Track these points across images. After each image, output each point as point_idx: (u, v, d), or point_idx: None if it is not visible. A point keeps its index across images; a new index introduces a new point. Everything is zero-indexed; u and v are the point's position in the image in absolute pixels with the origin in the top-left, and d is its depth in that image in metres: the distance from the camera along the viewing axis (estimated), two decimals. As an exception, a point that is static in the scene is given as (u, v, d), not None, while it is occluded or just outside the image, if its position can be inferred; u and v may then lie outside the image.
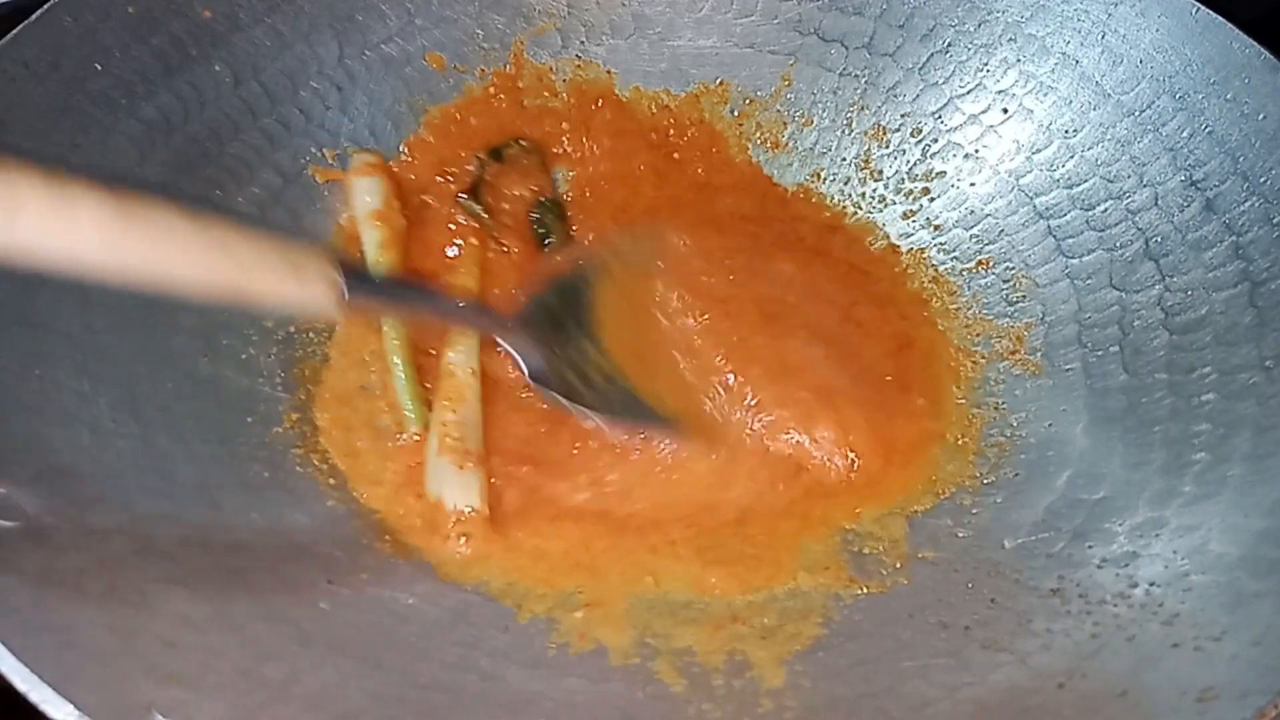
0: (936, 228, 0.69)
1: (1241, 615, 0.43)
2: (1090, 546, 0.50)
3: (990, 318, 0.64)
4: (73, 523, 0.44)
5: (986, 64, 0.68)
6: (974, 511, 0.55)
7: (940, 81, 0.69)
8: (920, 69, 0.70)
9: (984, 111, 0.68)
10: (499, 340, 0.58)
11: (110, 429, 0.49)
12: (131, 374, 0.52)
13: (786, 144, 0.73)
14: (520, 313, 0.60)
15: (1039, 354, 0.61)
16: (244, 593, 0.46)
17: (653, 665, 0.48)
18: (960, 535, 0.54)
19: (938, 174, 0.69)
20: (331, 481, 0.55)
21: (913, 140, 0.70)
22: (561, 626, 0.50)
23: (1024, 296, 0.64)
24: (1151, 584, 0.46)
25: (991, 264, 0.66)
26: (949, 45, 0.69)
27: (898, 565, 0.53)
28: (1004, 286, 0.65)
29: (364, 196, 0.65)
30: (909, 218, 0.70)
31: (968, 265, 0.67)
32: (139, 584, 0.43)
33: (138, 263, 0.38)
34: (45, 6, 0.56)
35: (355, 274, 0.46)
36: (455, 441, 0.55)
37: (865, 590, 0.52)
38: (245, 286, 0.42)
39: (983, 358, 0.63)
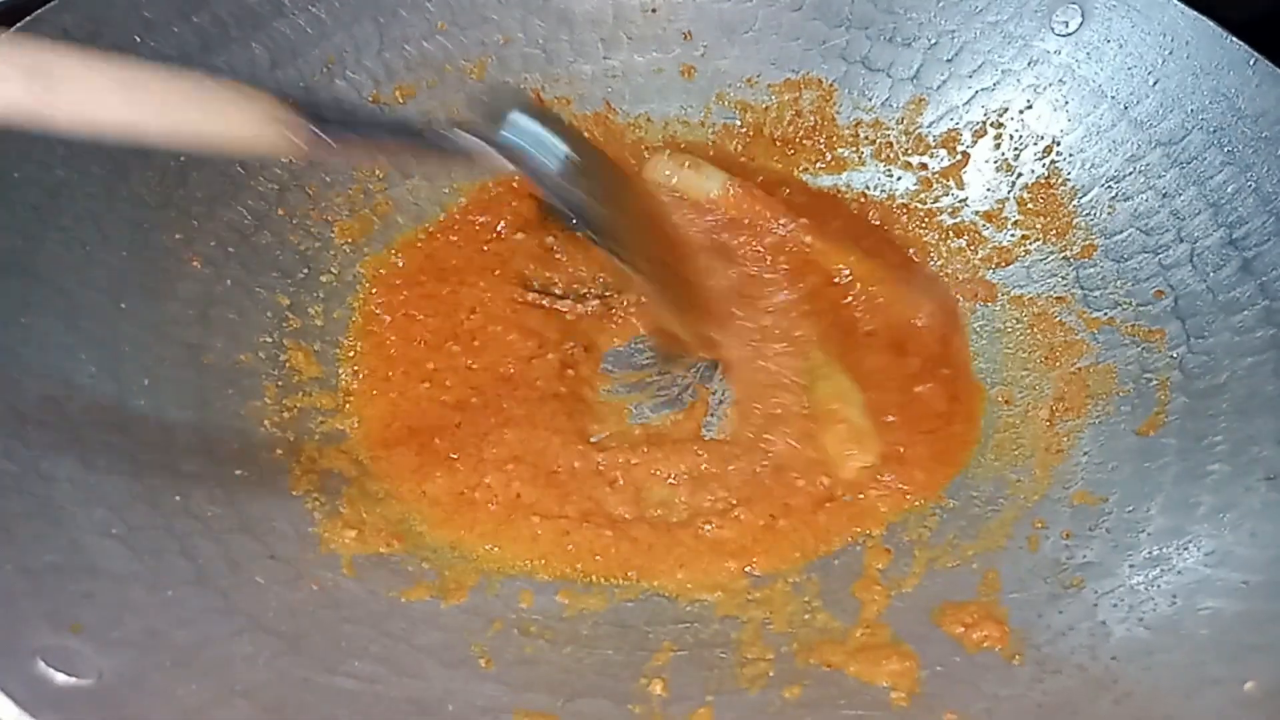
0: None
1: (1197, 702, 0.40)
2: (1061, 612, 0.46)
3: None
4: (22, 466, 0.45)
5: (1033, 103, 0.65)
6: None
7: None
8: (965, 106, 0.67)
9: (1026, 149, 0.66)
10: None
11: (86, 384, 0.50)
12: (119, 334, 0.53)
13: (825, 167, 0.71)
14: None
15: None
16: (182, 557, 0.46)
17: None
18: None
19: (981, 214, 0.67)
20: (293, 461, 0.54)
21: (953, 183, 0.68)
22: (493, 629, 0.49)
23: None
24: (1113, 657, 0.43)
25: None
26: (996, 85, 0.66)
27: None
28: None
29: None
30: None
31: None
32: (74, 534, 0.43)
33: (130, 119, 0.40)
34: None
35: (315, 113, 0.45)
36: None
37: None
38: (209, 133, 0.43)
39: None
